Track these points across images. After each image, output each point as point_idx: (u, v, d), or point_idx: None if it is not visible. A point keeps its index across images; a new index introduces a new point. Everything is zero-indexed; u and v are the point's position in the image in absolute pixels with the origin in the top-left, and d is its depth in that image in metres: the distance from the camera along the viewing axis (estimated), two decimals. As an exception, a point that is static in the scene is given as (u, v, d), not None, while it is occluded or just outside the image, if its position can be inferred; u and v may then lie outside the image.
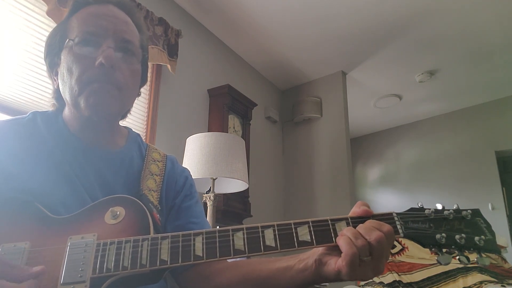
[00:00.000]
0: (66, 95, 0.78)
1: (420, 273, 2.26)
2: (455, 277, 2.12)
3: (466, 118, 4.28)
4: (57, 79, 0.81)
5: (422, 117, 4.59)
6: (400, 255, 2.46)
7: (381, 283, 2.26)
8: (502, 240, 2.53)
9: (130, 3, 0.86)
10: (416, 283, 2.21)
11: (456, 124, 4.34)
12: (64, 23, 0.82)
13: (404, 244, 2.49)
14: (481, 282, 2.01)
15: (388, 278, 2.27)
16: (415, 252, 2.44)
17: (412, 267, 2.32)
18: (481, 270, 2.09)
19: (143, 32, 0.87)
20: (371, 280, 2.31)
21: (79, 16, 0.79)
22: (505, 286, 1.94)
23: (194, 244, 0.60)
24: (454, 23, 2.87)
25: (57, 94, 0.83)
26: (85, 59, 0.75)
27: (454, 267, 2.17)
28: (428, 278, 2.20)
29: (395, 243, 2.51)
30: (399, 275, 2.27)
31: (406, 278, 2.25)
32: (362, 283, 2.35)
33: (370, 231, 0.59)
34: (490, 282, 1.99)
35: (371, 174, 5.04)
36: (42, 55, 0.85)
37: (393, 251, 2.48)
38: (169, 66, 2.37)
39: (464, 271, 2.12)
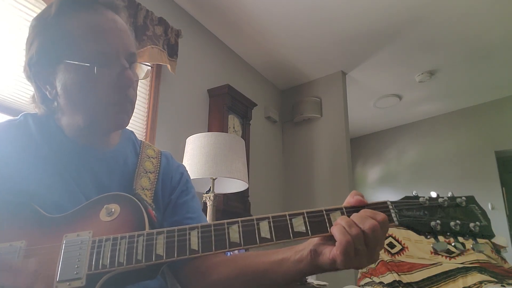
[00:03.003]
0: (77, 114, 0.77)
1: (420, 273, 2.25)
2: (454, 277, 2.12)
3: (466, 118, 4.28)
4: (50, 88, 0.78)
5: (422, 117, 4.59)
6: (400, 255, 2.46)
7: (381, 283, 2.26)
8: (502, 240, 2.53)
9: (118, 1, 0.84)
10: (416, 283, 2.20)
11: (456, 124, 4.34)
12: (55, 28, 0.76)
13: (404, 244, 2.49)
14: (480, 282, 2.01)
15: (388, 278, 2.27)
16: (415, 252, 2.43)
17: (412, 267, 2.31)
18: (481, 270, 2.08)
19: (131, 29, 0.86)
20: (370, 280, 2.31)
21: (80, 27, 0.75)
22: (505, 286, 1.94)
23: (189, 239, 0.61)
24: (454, 23, 2.87)
25: (47, 100, 0.81)
26: (102, 82, 0.75)
27: (454, 267, 2.17)
28: (428, 278, 2.20)
29: (395, 243, 2.51)
30: (399, 275, 2.27)
31: (406, 278, 2.25)
32: (362, 282, 2.35)
33: (364, 220, 0.59)
34: (490, 282, 1.99)
35: (371, 174, 5.03)
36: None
37: (393, 251, 2.48)
38: (169, 66, 2.37)
39: (464, 271, 2.12)
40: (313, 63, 3.45)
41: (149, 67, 0.88)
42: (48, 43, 0.76)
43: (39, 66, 0.77)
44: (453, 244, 0.61)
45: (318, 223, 0.62)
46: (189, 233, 0.61)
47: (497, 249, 2.43)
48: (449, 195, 0.66)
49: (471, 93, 4.00)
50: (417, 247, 2.46)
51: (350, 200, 0.66)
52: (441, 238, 0.63)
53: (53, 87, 0.78)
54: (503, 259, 2.40)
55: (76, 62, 0.73)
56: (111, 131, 0.83)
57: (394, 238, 2.52)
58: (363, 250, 0.58)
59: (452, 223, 0.62)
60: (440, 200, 0.65)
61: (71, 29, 0.75)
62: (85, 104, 0.76)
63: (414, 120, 4.68)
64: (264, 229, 0.61)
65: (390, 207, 0.64)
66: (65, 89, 0.76)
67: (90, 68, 0.73)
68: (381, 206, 0.64)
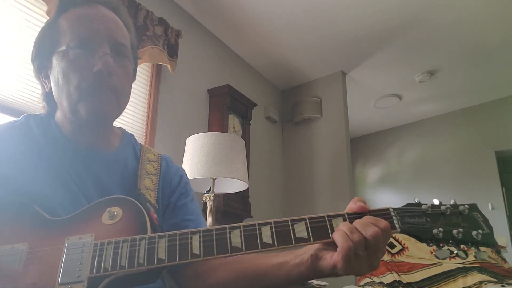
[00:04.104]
0: (63, 100, 0.78)
1: (420, 273, 2.26)
2: (454, 277, 2.13)
3: (466, 118, 4.28)
4: (48, 82, 0.81)
5: (422, 117, 4.58)
6: (400, 255, 2.46)
7: (381, 283, 2.26)
8: (502, 240, 2.53)
9: (117, 1, 0.86)
10: (416, 283, 2.21)
11: (456, 124, 4.33)
12: (52, 25, 0.81)
13: (404, 244, 2.49)
14: (480, 282, 2.01)
15: (388, 278, 2.27)
16: (415, 252, 2.44)
17: (412, 267, 2.32)
18: (481, 270, 2.09)
19: (131, 30, 0.88)
20: (371, 280, 2.32)
21: (69, 18, 0.79)
22: (505, 286, 1.94)
23: (191, 243, 0.61)
24: (454, 23, 2.87)
25: (47, 97, 0.83)
26: (82, 66, 0.75)
27: (454, 267, 2.18)
28: (428, 278, 2.20)
29: (395, 243, 2.51)
30: (399, 275, 2.27)
31: (406, 278, 2.25)
32: (362, 283, 2.35)
33: (367, 227, 0.59)
34: (490, 282, 2.00)
35: (371, 174, 5.03)
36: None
37: (393, 251, 2.49)
38: (169, 66, 2.37)
39: (464, 271, 2.12)
40: (313, 63, 3.44)
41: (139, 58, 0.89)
42: (44, 39, 0.81)
43: (38, 61, 0.82)
44: (455, 252, 0.61)
45: (320, 229, 0.62)
46: (191, 237, 0.61)
47: (497, 249, 2.43)
48: (451, 203, 0.65)
49: (471, 93, 3.99)
50: (417, 247, 2.46)
51: (352, 206, 0.65)
52: (443, 245, 0.63)
53: (49, 81, 0.81)
54: (503, 259, 2.41)
55: (60, 49, 0.76)
56: (94, 118, 0.78)
57: (394, 238, 2.52)
58: (364, 257, 0.59)
59: (454, 231, 0.62)
60: (442, 207, 0.65)
61: (63, 22, 0.79)
62: (67, 90, 0.76)
63: (414, 120, 4.67)
64: (266, 234, 0.61)
65: (392, 214, 0.64)
66: (54, 79, 0.78)
67: (72, 52, 0.75)
68: (383, 213, 0.64)
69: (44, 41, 0.81)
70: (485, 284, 1.99)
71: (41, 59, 0.81)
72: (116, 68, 0.78)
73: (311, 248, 0.65)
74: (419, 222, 0.63)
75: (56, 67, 0.77)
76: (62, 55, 0.76)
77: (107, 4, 0.82)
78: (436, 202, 0.66)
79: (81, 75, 0.75)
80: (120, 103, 0.81)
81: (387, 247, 2.49)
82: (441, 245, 0.62)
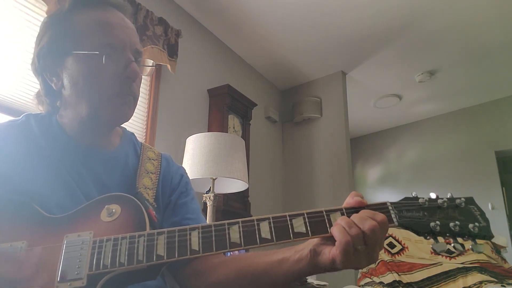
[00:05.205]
0: (81, 103, 0.78)
1: (420, 273, 2.26)
2: (455, 277, 2.12)
3: (466, 118, 4.28)
4: (57, 80, 0.80)
5: (422, 117, 4.59)
6: (400, 255, 2.46)
7: (381, 283, 2.26)
8: (502, 240, 2.53)
9: (126, 4, 0.87)
10: (416, 283, 2.21)
11: (456, 124, 4.34)
12: (64, 22, 0.80)
13: (404, 244, 2.49)
14: (481, 282, 2.01)
15: (388, 278, 2.27)
16: (415, 252, 2.44)
17: (412, 267, 2.32)
18: (481, 270, 2.09)
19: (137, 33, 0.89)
20: (370, 280, 2.31)
21: (88, 21, 0.79)
22: (505, 286, 1.94)
23: (190, 239, 0.61)
24: (454, 23, 2.87)
25: (53, 94, 0.83)
26: (107, 71, 0.77)
27: (454, 267, 2.17)
28: (428, 278, 2.20)
29: (395, 243, 2.51)
30: (399, 275, 2.27)
31: (406, 278, 2.25)
32: (362, 282, 2.35)
33: (364, 220, 0.59)
34: (490, 282, 1.99)
35: (371, 174, 5.03)
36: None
37: (393, 251, 2.48)
38: (169, 66, 2.37)
39: (464, 271, 2.12)
40: (313, 63, 3.45)
41: (153, 67, 0.90)
42: (59, 35, 0.79)
43: (48, 57, 0.80)
44: (452, 244, 0.61)
45: (318, 224, 0.62)
46: (190, 233, 0.61)
47: (497, 249, 2.43)
48: (448, 196, 0.66)
49: (471, 93, 4.00)
50: (417, 247, 2.46)
51: (349, 201, 0.66)
52: (440, 239, 0.63)
53: (59, 78, 0.80)
54: (503, 259, 2.40)
55: (85, 52, 0.76)
56: (113, 124, 0.83)
57: (394, 238, 2.52)
58: (362, 250, 0.59)
59: (451, 224, 0.62)
60: (439, 201, 0.65)
61: (81, 23, 0.79)
62: (89, 94, 0.77)
63: (414, 120, 4.68)
64: (265, 230, 0.61)
65: (390, 208, 0.65)
66: (71, 79, 0.78)
67: (98, 57, 0.75)
68: (381, 207, 0.65)
69: (57, 38, 0.79)
70: (485, 284, 1.98)
71: (52, 54, 0.80)
72: (138, 74, 0.81)
73: (310, 244, 0.65)
74: (416, 215, 0.63)
75: (74, 67, 0.77)
76: (86, 58, 0.76)
77: (119, 8, 0.83)
78: (433, 196, 0.66)
79: (107, 82, 0.77)
80: (135, 106, 0.84)
81: (387, 247, 2.48)
82: (438, 238, 0.63)
